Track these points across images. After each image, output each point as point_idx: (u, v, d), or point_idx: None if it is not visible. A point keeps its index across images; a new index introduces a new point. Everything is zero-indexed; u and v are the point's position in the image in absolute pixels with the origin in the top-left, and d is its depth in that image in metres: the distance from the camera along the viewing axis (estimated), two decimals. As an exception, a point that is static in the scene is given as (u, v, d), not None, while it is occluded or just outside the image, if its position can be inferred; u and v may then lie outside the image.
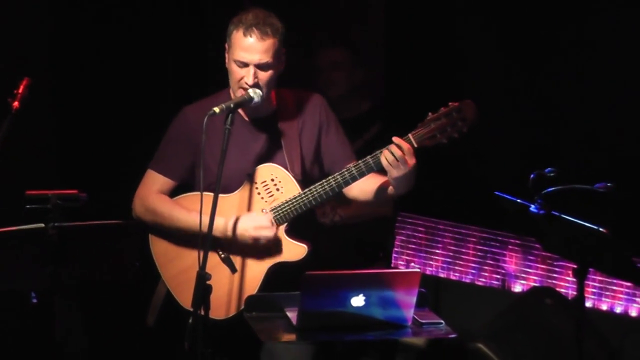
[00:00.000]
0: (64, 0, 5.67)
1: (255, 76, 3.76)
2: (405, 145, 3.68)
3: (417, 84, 5.84)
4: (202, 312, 3.50)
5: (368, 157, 3.76)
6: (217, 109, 3.63)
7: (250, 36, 3.74)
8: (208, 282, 3.49)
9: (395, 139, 3.69)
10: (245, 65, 3.77)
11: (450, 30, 5.81)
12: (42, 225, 3.63)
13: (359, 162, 3.78)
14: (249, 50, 3.75)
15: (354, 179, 3.78)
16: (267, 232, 3.79)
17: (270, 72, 3.79)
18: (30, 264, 3.70)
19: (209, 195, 3.60)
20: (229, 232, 3.80)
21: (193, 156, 3.89)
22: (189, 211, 3.84)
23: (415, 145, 3.70)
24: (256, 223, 3.80)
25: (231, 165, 3.77)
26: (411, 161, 3.68)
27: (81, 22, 5.71)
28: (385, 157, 3.69)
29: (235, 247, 3.85)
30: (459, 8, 5.78)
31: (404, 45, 5.97)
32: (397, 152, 3.66)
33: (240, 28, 3.76)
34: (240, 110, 3.87)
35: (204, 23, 6.09)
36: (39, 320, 4.35)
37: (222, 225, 3.79)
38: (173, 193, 3.97)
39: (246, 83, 3.76)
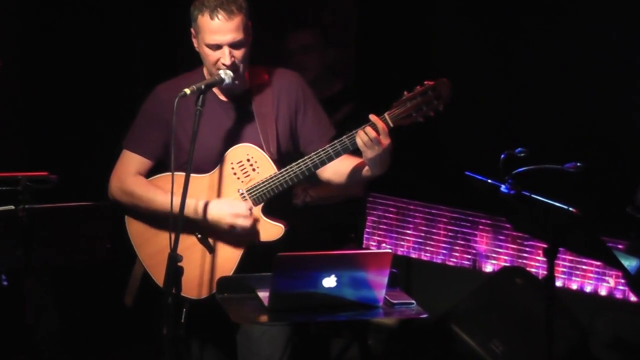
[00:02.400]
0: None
1: (231, 55, 3.74)
2: (380, 124, 3.66)
3: (389, 64, 5.84)
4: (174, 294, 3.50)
5: (344, 136, 3.73)
6: (187, 90, 3.59)
7: (218, 18, 3.70)
8: (180, 264, 3.48)
9: (372, 116, 3.67)
10: (218, 47, 3.74)
11: (421, 9, 5.81)
12: (12, 207, 3.62)
13: (335, 141, 3.75)
14: (219, 32, 3.72)
15: (329, 158, 3.76)
16: (244, 221, 3.75)
17: (244, 49, 3.77)
18: (1, 246, 3.68)
19: (181, 176, 3.56)
20: (203, 215, 3.77)
21: (167, 134, 3.85)
22: (165, 192, 3.82)
23: (391, 125, 3.68)
24: (234, 210, 3.76)
25: (205, 145, 3.75)
26: (385, 141, 3.66)
27: (50, 3, 5.67)
28: (360, 137, 3.66)
29: (211, 228, 3.84)
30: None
31: (375, 24, 5.97)
32: (372, 134, 3.65)
33: (205, 12, 3.71)
34: (214, 89, 3.85)
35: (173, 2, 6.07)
36: (10, 303, 4.33)
37: (194, 207, 3.76)
38: (149, 172, 3.95)
39: (223, 64, 3.74)
